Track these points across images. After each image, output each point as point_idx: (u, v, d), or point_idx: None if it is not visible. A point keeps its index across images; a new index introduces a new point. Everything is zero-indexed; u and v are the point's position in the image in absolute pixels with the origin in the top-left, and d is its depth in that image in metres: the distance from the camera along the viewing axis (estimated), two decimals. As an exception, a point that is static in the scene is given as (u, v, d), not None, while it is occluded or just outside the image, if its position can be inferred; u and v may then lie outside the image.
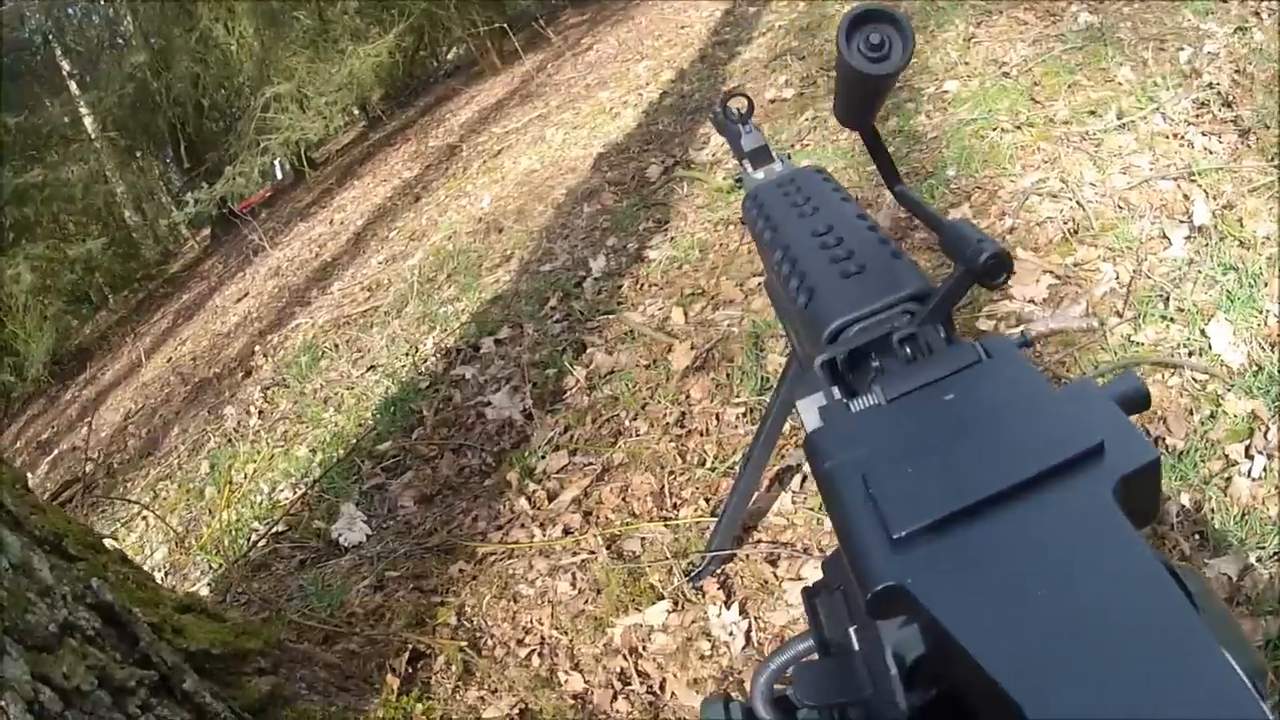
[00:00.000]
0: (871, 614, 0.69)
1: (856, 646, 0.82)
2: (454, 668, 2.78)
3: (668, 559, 2.88)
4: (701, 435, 3.32)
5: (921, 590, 0.66)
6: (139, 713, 2.01)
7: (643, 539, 3.00)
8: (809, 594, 0.98)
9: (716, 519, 2.74)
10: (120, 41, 16.56)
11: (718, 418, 3.36)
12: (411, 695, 2.72)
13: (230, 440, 5.42)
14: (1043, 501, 0.69)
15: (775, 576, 2.68)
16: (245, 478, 4.77)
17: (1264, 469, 2.38)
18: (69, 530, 2.38)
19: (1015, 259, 3.34)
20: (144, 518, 5.02)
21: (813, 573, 2.57)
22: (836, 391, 1.01)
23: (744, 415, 3.31)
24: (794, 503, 2.89)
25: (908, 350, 1.01)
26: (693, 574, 2.79)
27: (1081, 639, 0.60)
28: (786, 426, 2.59)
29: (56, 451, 8.34)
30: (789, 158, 1.68)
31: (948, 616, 0.64)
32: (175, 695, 2.16)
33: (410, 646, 2.86)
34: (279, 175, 17.08)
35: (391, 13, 12.95)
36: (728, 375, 3.53)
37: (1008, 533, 0.68)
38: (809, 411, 1.00)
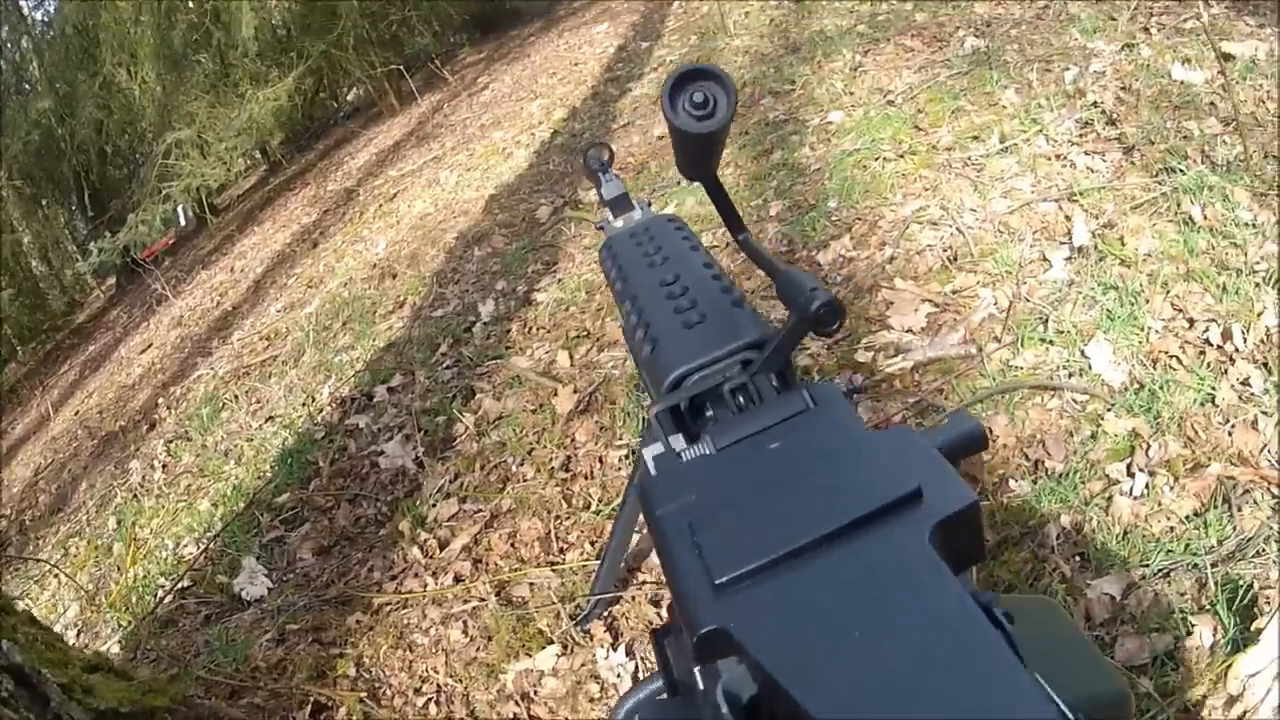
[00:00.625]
0: (698, 657, 0.71)
1: (700, 685, 0.82)
2: (354, 719, 2.77)
3: (555, 603, 2.88)
4: (586, 479, 3.32)
5: (743, 633, 0.67)
6: (52, 773, 2.01)
7: (531, 584, 3.00)
8: (658, 635, 0.99)
9: (599, 562, 2.74)
10: (27, 86, 16.42)
11: (601, 460, 3.36)
12: (315, 748, 2.73)
13: (135, 495, 5.37)
14: (860, 546, 0.71)
15: (660, 617, 2.68)
16: (150, 533, 4.74)
17: (1145, 486, 2.40)
18: None
19: (894, 289, 3.36)
20: (55, 575, 4.96)
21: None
22: (681, 439, 1.02)
23: (626, 457, 3.31)
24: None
25: (740, 399, 1.05)
26: (579, 617, 2.79)
27: (895, 678, 0.62)
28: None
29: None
30: (649, 205, 1.70)
31: (768, 658, 0.65)
32: (86, 755, 2.18)
33: (312, 699, 2.87)
34: (182, 222, 16.98)
35: (290, 55, 12.90)
36: (611, 417, 3.54)
37: (826, 577, 0.70)
38: (649, 459, 1.01)
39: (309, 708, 2.84)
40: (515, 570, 3.09)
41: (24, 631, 2.47)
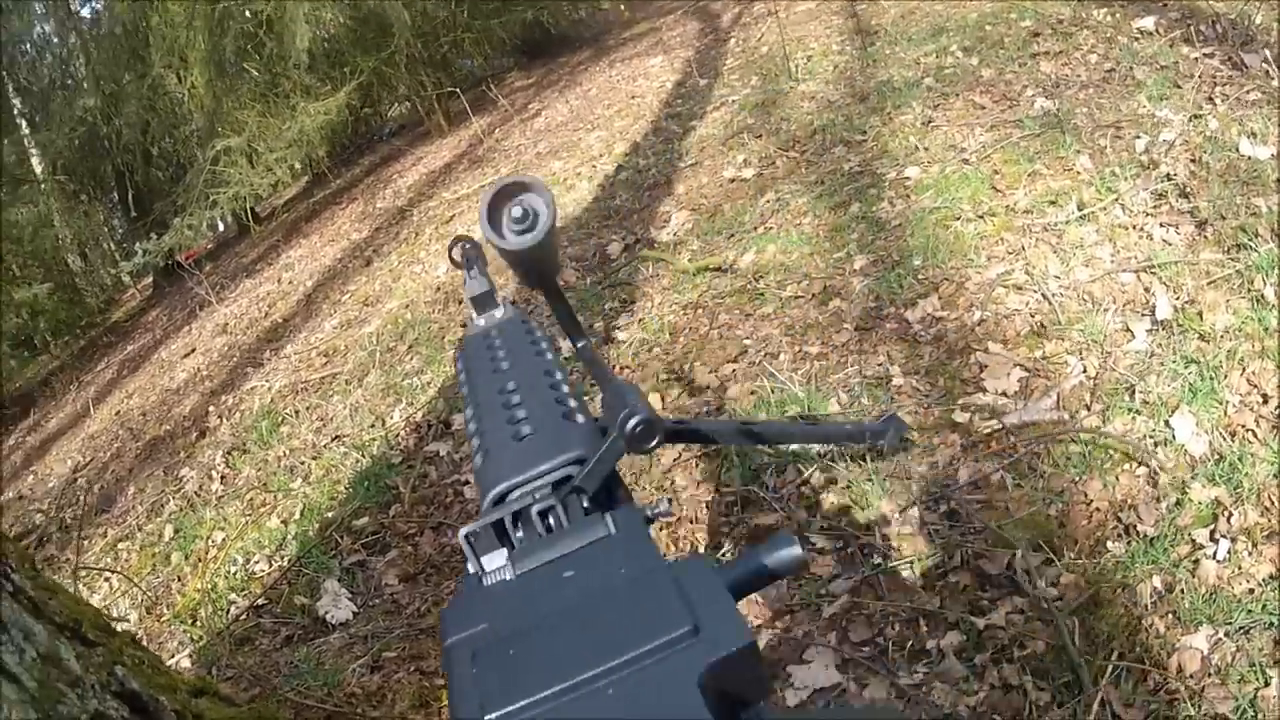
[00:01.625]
0: None
1: None
2: None
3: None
4: (692, 523, 3.35)
5: None
6: (170, 805, 1.99)
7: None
8: None
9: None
10: (71, 83, 16.46)
11: (708, 506, 3.38)
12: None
13: (192, 505, 5.39)
14: (629, 684, 0.73)
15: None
16: (215, 546, 4.74)
17: (1228, 551, 2.49)
18: (83, 613, 2.33)
19: (986, 352, 3.45)
20: (106, 580, 4.98)
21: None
22: (503, 554, 1.03)
23: (734, 504, 3.32)
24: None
25: (549, 521, 1.06)
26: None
27: None
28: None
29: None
30: (513, 303, 1.71)
31: None
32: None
33: None
34: (221, 227, 17.01)
35: (342, 70, 12.96)
36: (711, 462, 3.56)
37: (593, 712, 0.72)
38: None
39: None
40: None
41: (129, 654, 2.41)
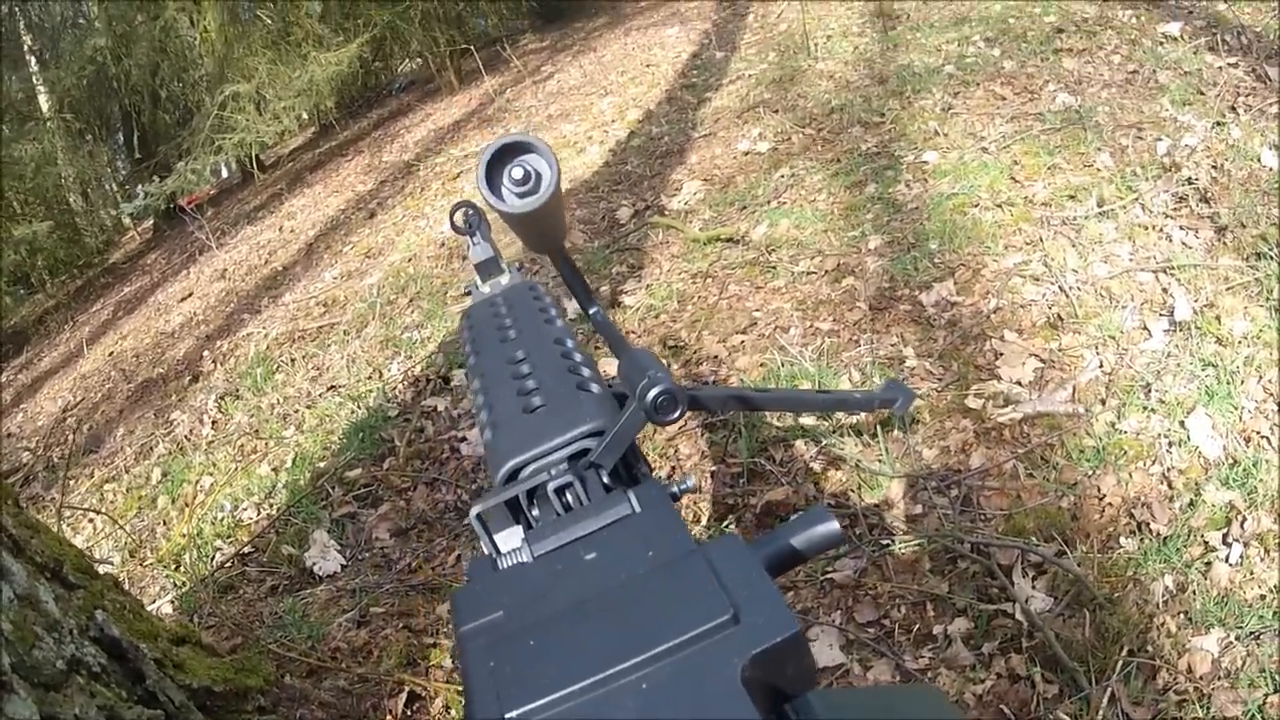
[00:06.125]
0: None
1: None
2: (453, 711, 2.75)
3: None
4: (692, 494, 3.29)
5: None
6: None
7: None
8: None
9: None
10: (83, 21, 16.38)
11: (713, 476, 3.34)
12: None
13: (181, 449, 5.35)
14: (663, 680, 0.68)
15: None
16: (203, 491, 4.70)
17: (1241, 556, 2.48)
18: (65, 554, 2.30)
19: (1002, 340, 3.42)
20: (90, 521, 4.93)
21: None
22: (519, 533, 1.00)
23: (740, 475, 3.28)
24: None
25: (566, 498, 1.02)
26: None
27: None
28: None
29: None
30: (521, 268, 1.65)
31: None
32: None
33: (406, 688, 2.81)
34: (224, 174, 16.96)
35: (356, 22, 12.90)
36: (714, 431, 3.54)
37: (624, 710, 0.67)
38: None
39: (402, 696, 2.79)
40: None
41: (111, 599, 2.36)
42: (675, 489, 1.04)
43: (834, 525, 0.92)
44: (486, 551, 0.98)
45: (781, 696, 0.71)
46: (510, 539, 0.99)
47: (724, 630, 0.69)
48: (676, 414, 1.08)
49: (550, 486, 1.02)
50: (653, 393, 1.05)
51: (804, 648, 0.70)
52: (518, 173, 1.09)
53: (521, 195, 1.09)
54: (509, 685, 0.70)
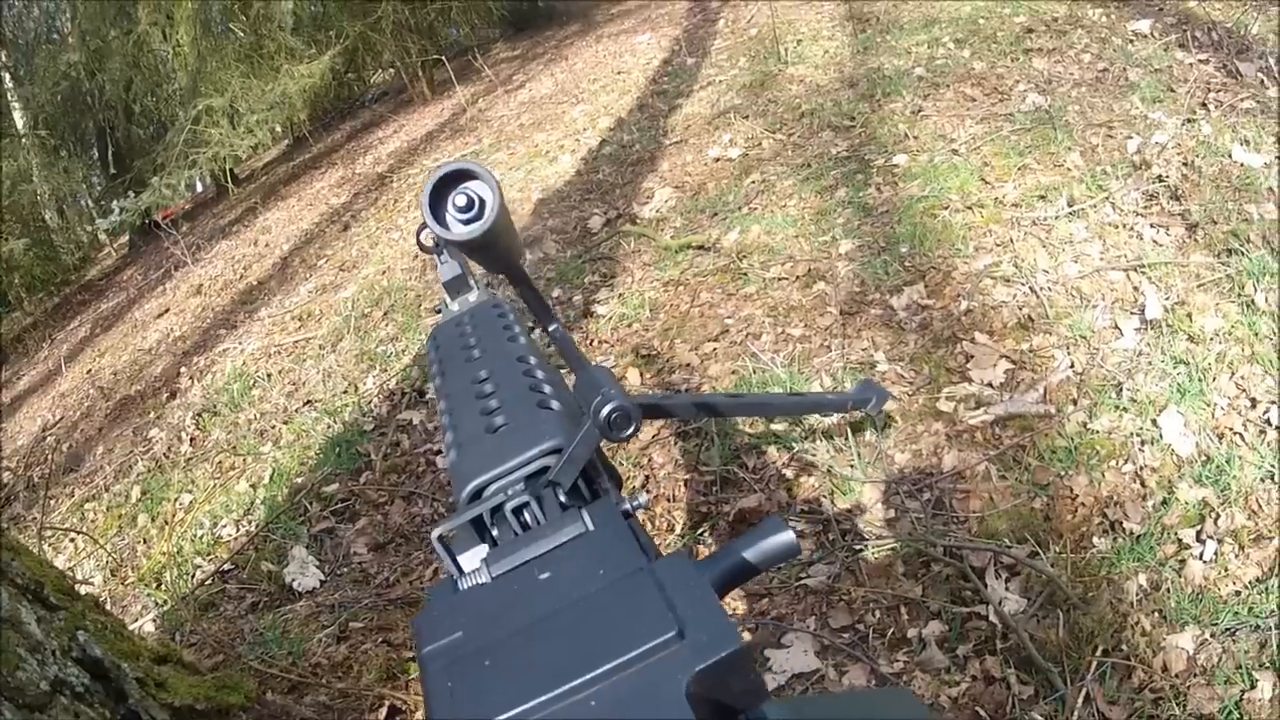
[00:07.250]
0: None
1: None
2: None
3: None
4: (669, 501, 3.32)
5: None
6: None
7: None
8: None
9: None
10: (57, 37, 16.33)
11: (686, 484, 3.35)
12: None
13: (160, 466, 5.33)
14: (612, 695, 0.70)
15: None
16: (182, 509, 4.68)
17: (1215, 553, 2.49)
18: (47, 576, 2.29)
19: (973, 342, 3.43)
20: (72, 540, 4.91)
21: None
22: (483, 550, 1.01)
23: (713, 484, 3.29)
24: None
25: (524, 518, 1.04)
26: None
27: None
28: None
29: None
30: (489, 285, 1.67)
31: None
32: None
33: (387, 702, 2.81)
34: (200, 188, 16.90)
35: (328, 34, 12.88)
36: (687, 440, 3.55)
37: None
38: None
39: (383, 711, 2.79)
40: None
41: (93, 619, 2.36)
42: (629, 505, 1.04)
43: (788, 535, 0.94)
44: (449, 573, 0.98)
45: (731, 711, 0.72)
46: (473, 558, 1.00)
47: (669, 647, 0.71)
48: (630, 430, 1.10)
49: (508, 507, 1.04)
50: (605, 409, 1.07)
51: (749, 663, 0.71)
52: (461, 200, 1.09)
53: (467, 222, 1.10)
54: (464, 705, 0.72)
